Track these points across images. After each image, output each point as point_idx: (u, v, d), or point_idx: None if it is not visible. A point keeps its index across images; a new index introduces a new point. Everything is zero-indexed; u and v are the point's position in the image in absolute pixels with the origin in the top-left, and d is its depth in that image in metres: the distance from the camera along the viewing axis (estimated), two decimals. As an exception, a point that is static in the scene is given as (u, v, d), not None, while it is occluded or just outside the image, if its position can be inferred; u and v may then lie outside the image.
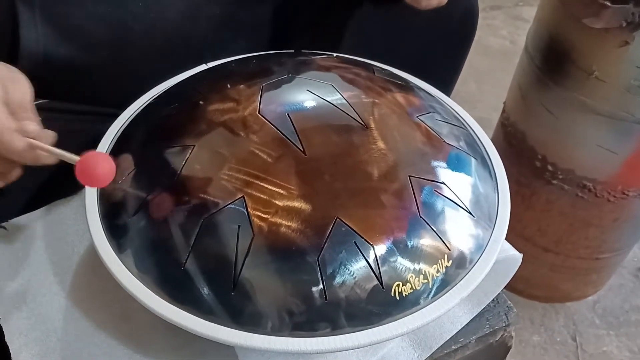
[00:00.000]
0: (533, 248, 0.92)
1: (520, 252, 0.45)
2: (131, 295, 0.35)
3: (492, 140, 0.46)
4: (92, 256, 0.46)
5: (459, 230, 0.38)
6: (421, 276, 0.36)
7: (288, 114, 0.40)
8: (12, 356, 0.41)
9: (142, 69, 0.50)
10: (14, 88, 0.39)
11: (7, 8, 0.46)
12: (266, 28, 0.59)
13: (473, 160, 0.43)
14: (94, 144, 0.43)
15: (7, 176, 0.40)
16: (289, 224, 0.35)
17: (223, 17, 0.55)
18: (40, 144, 0.38)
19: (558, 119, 0.77)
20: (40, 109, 0.40)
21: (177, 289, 0.35)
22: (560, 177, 0.81)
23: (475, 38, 0.64)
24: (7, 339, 0.41)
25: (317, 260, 0.34)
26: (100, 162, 0.37)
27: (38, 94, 0.40)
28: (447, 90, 0.60)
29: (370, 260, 0.35)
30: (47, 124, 0.39)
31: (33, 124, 0.38)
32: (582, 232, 0.86)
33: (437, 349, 0.43)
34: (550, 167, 0.81)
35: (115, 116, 0.46)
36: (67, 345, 0.41)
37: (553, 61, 0.76)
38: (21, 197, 0.51)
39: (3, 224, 0.49)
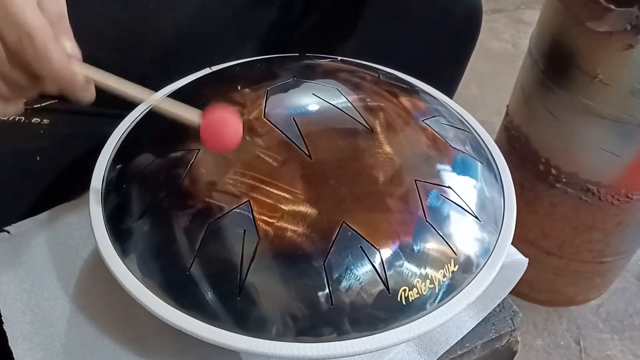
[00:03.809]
0: (536, 252, 0.91)
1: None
2: (135, 300, 0.35)
3: (495, 143, 0.46)
4: (96, 260, 0.46)
5: (465, 235, 0.38)
6: (427, 281, 0.35)
7: (293, 118, 0.40)
8: (15, 361, 0.40)
9: (151, 70, 0.49)
10: None
11: None
12: (272, 31, 0.59)
13: (479, 164, 0.42)
14: (98, 146, 0.43)
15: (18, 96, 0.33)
16: (295, 228, 0.35)
17: (233, 19, 0.55)
18: (101, 77, 0.31)
19: (561, 122, 0.77)
20: (47, 110, 0.39)
21: (182, 293, 0.35)
22: (564, 180, 0.81)
23: (477, 41, 0.64)
24: (10, 343, 0.41)
25: (323, 264, 0.34)
26: (230, 124, 0.33)
27: (47, 95, 0.38)
28: (450, 92, 0.60)
29: (377, 265, 0.35)
30: (54, 126, 0.38)
31: (71, 42, 0.32)
32: (586, 236, 0.86)
33: (443, 354, 0.42)
34: (553, 171, 0.81)
35: (121, 117, 0.46)
36: (71, 350, 0.41)
37: (557, 64, 0.76)
38: (25, 201, 0.51)
39: (6, 228, 0.48)
